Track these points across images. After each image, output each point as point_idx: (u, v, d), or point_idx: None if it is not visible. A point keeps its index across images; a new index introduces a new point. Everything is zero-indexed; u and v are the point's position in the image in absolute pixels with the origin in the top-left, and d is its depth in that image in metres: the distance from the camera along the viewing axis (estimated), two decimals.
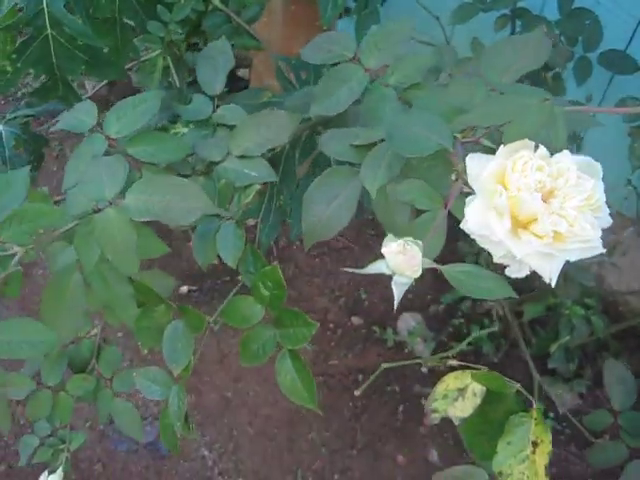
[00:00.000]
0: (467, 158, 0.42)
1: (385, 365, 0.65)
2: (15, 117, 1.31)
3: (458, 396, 0.48)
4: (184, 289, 1.76)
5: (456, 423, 0.49)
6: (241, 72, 1.88)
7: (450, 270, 0.43)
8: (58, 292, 0.65)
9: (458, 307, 1.71)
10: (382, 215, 0.60)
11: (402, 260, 0.40)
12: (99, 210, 0.59)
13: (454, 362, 0.54)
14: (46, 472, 0.87)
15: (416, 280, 0.43)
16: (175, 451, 0.74)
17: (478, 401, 0.48)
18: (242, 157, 0.70)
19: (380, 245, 0.42)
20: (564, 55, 1.24)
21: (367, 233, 1.83)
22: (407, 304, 1.72)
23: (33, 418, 0.90)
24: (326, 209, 0.59)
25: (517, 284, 0.48)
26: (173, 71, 1.27)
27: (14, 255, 0.57)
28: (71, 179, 0.67)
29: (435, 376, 1.62)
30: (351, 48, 0.73)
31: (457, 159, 0.47)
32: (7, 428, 0.55)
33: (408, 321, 1.69)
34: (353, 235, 1.82)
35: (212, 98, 0.79)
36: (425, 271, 0.42)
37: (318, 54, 0.75)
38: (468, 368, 0.50)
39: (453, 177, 0.48)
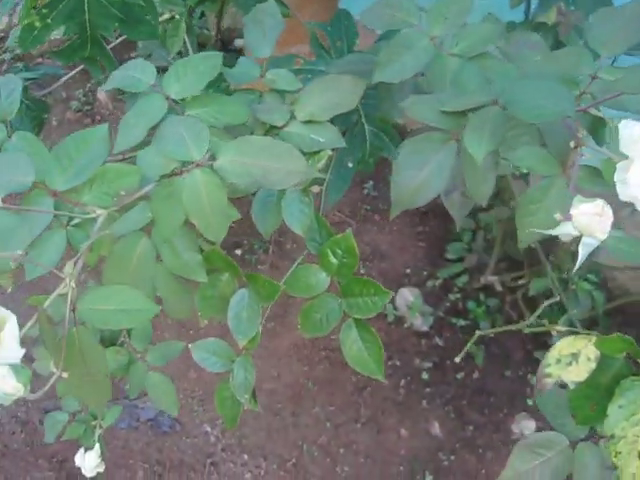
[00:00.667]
0: (620, 125, 0.41)
1: (479, 332, 0.65)
2: None
3: (571, 361, 0.49)
4: None
5: (571, 387, 0.49)
6: (237, 43, 1.83)
7: (610, 240, 0.42)
8: (123, 260, 0.62)
9: (454, 282, 1.73)
10: (469, 182, 0.60)
11: (597, 221, 0.39)
12: (181, 172, 0.56)
13: (562, 328, 0.54)
14: (82, 449, 0.83)
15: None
16: (232, 425, 0.73)
17: (593, 365, 0.48)
18: (308, 122, 0.68)
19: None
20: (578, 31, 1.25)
21: (363, 208, 1.83)
22: (404, 279, 1.73)
23: (62, 394, 0.87)
24: (417, 176, 0.58)
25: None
26: (186, 37, 1.23)
27: (96, 219, 0.54)
28: (126, 140, 0.64)
29: (435, 351, 1.64)
30: (415, 15, 0.72)
31: (578, 127, 0.47)
32: (108, 398, 0.52)
33: (406, 296, 1.70)
34: (350, 210, 1.82)
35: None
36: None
37: (381, 20, 0.73)
38: (577, 334, 0.51)
39: (572, 144, 0.48)
